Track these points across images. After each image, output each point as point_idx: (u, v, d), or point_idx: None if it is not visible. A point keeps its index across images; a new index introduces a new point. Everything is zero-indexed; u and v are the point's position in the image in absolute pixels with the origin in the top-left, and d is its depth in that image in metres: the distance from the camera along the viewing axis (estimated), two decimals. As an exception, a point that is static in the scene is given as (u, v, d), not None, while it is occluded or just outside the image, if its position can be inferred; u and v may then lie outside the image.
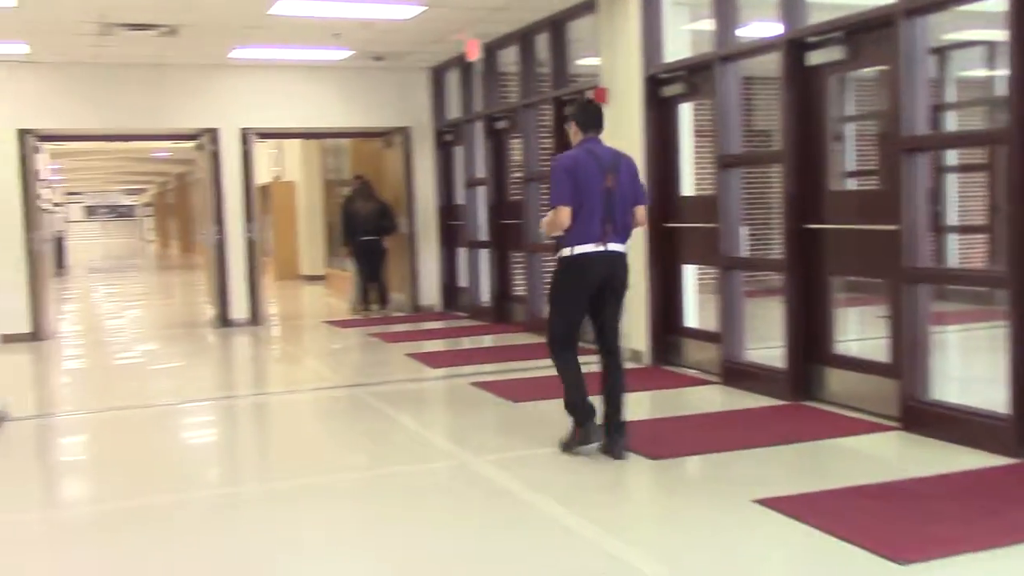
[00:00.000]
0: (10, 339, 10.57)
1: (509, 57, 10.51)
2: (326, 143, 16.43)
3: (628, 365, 7.60)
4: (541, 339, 9.37)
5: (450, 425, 6.38)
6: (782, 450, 5.30)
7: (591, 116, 5.31)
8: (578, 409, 5.18)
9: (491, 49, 10.56)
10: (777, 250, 7.79)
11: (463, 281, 11.98)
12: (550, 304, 5.30)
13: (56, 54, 10.41)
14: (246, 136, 11.54)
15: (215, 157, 11.47)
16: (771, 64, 6.60)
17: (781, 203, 6.56)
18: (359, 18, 9.23)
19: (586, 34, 9.01)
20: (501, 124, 10.77)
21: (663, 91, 7.83)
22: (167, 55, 10.66)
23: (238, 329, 11.30)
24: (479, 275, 11.53)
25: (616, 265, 5.12)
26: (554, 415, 6.16)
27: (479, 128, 11.25)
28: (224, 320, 11.46)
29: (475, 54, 10.17)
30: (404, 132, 12.17)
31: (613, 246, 5.08)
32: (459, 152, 11.87)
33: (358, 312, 12.10)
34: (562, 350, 5.23)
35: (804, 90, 6.38)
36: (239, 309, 11.52)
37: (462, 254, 11.97)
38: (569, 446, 5.23)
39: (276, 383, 8.57)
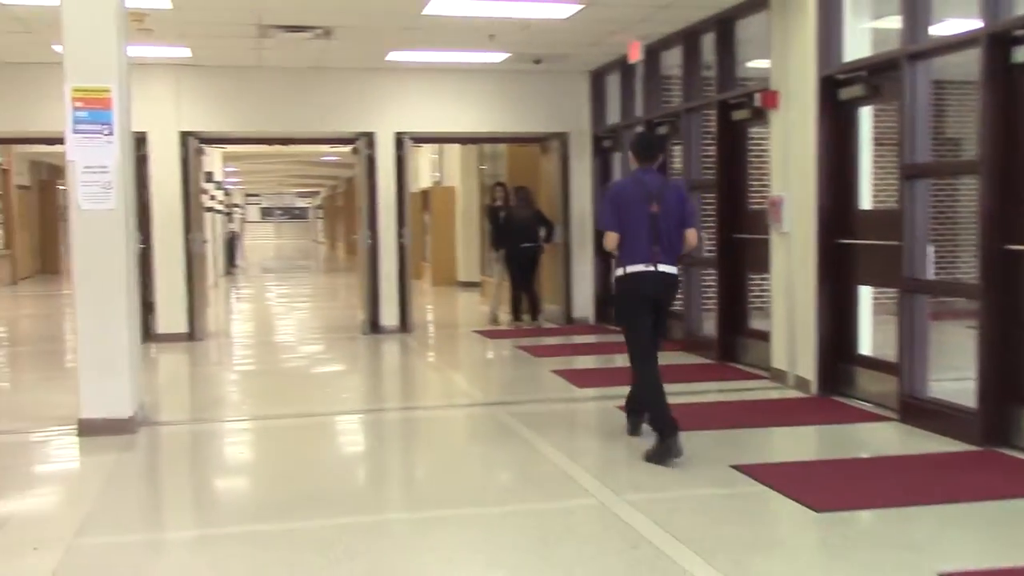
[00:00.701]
0: (166, 338, 10.66)
1: (672, 59, 9.91)
2: (484, 148, 16.13)
3: (793, 394, 6.88)
4: (700, 359, 9.03)
5: (594, 456, 5.83)
6: (972, 509, 4.54)
7: (645, 148, 5.70)
8: (661, 422, 5.44)
9: (653, 51, 10.00)
10: (969, 273, 6.91)
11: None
12: (619, 322, 5.87)
13: (217, 58, 10.45)
14: (401, 140, 11.35)
15: (370, 161, 11.31)
16: (963, 65, 5.79)
17: (975, 219, 5.74)
18: (514, 17, 8.82)
19: (755, 34, 8.33)
20: (662, 130, 10.17)
21: (840, 94, 7.09)
22: (325, 58, 10.56)
23: (387, 336, 11.09)
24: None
25: (666, 284, 5.54)
26: (712, 450, 5.56)
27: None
28: (374, 326, 11.28)
29: (636, 55, 9.63)
30: (561, 137, 11.74)
31: (663, 267, 5.48)
32: (618, 159, 11.32)
33: (509, 323, 11.71)
34: (643, 364, 5.61)
35: (1007, 91, 5.56)
36: (389, 315, 11.32)
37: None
38: (651, 457, 5.38)
39: (418, 397, 8.21)
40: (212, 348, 10.59)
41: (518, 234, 11.63)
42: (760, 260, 8.18)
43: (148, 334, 10.65)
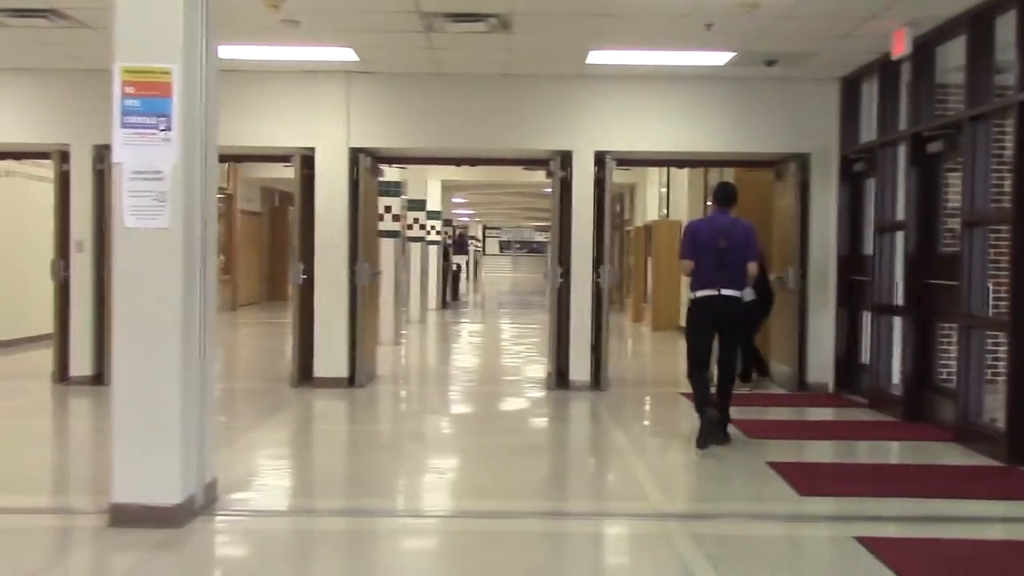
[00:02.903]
0: (323, 383, 9.13)
1: (951, 55, 7.42)
2: (713, 175, 13.83)
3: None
4: (981, 460, 6.28)
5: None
6: None
7: (721, 196, 6.94)
8: (701, 413, 6.62)
9: (925, 44, 7.55)
10: None
11: (865, 356, 8.86)
12: (686, 336, 6.86)
13: (388, 62, 8.91)
14: (602, 160, 9.39)
15: (564, 184, 9.42)
16: None
17: None
18: (735, -6, 6.65)
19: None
20: (935, 146, 7.68)
21: None
22: (513, 63, 8.80)
23: (573, 394, 9.07)
24: (889, 350, 8.42)
25: (728, 306, 6.61)
26: None
27: (902, 153, 8.20)
28: (561, 379, 9.32)
29: (902, 48, 7.26)
30: (800, 160, 9.40)
31: (726, 291, 6.59)
32: (871, 186, 8.83)
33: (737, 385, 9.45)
34: (694, 368, 6.73)
35: None
36: (579, 369, 9.33)
37: (867, 320, 8.90)
38: (701, 442, 6.56)
39: (570, 495, 5.93)
40: (366, 399, 8.92)
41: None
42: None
43: (305, 378, 9.22)
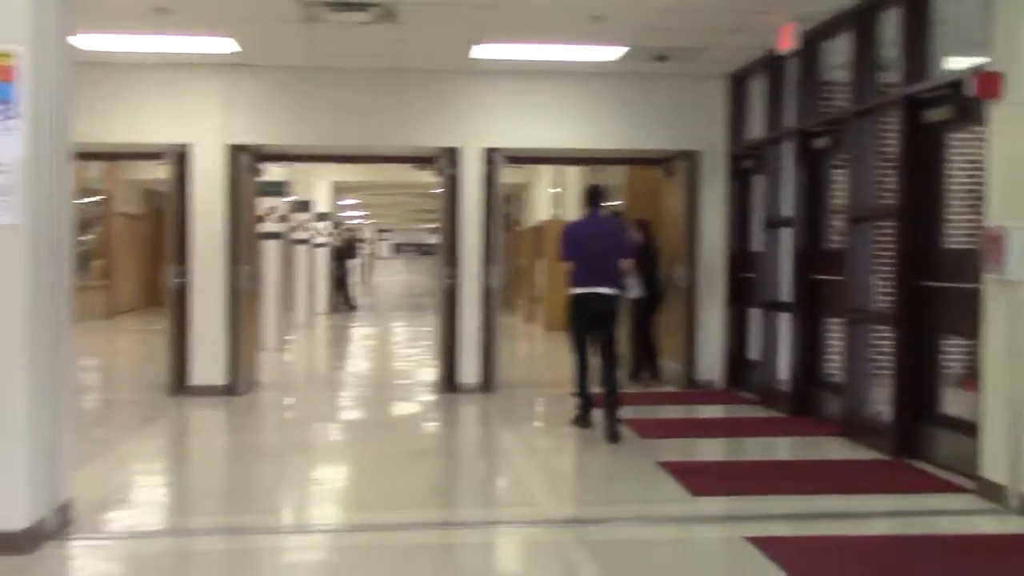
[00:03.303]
0: (200, 392, 8.68)
1: (838, 51, 7.45)
2: (606, 173, 13.77)
3: (1017, 524, 4.15)
4: (866, 451, 6.30)
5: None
6: None
7: (590, 198, 7.31)
8: (581, 397, 7.23)
9: (811, 40, 7.57)
10: None
11: (755, 353, 8.87)
12: (567, 331, 7.37)
13: (270, 54, 8.53)
14: (492, 157, 9.18)
15: (453, 182, 9.16)
16: None
17: None
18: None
19: (960, 11, 5.85)
20: (821, 143, 7.71)
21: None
22: (401, 57, 8.52)
23: (462, 397, 8.83)
24: (777, 347, 8.44)
25: (602, 302, 7.01)
26: None
27: (789, 149, 8.23)
28: (451, 383, 9.06)
29: (789, 43, 7.26)
30: (690, 157, 9.36)
31: (600, 289, 6.99)
32: (759, 183, 8.85)
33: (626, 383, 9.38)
34: (574, 353, 7.22)
35: None
36: (468, 371, 9.09)
37: (755, 317, 8.92)
38: (575, 422, 7.25)
39: (457, 504, 5.72)
40: (247, 407, 8.51)
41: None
42: (963, 318, 5.66)
43: (181, 386, 8.75)
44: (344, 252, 22.80)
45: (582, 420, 7.20)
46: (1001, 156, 5.27)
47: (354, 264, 24.14)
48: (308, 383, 10.67)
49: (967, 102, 5.59)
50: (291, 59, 8.63)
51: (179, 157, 8.90)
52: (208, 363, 8.79)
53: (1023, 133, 5.11)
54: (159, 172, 8.65)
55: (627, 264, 7.17)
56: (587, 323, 7.06)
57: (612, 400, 6.88)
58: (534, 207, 19.51)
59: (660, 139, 9.31)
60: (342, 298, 22.14)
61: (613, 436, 6.75)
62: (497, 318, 9.24)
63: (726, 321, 9.32)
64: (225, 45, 8.15)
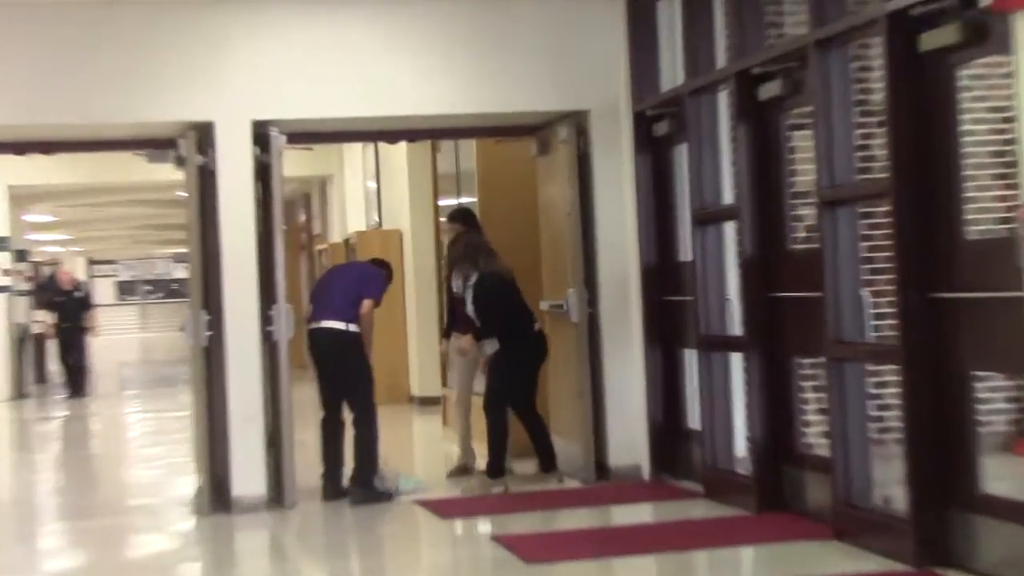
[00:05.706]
0: None
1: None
2: (447, 153, 14.05)
3: None
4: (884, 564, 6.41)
5: None
6: None
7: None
8: (324, 461, 9.76)
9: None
10: None
11: (694, 419, 9.18)
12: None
13: None
14: (265, 135, 9.37)
15: (204, 177, 9.32)
16: None
17: None
18: None
19: None
20: (770, 89, 8.02)
21: None
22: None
23: (239, 519, 8.97)
24: (729, 407, 8.76)
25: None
26: None
27: (723, 103, 8.70)
28: (218, 497, 9.18)
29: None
30: (575, 120, 9.79)
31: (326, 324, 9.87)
32: (682, 155, 9.28)
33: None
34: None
35: None
36: (247, 477, 9.20)
37: (690, 362, 9.30)
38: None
39: None
40: None
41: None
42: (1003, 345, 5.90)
43: None
44: (42, 300, 22.96)
45: (324, 491, 9.46)
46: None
47: (89, 316, 24.22)
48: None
49: (981, 18, 5.89)
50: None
51: None
52: None
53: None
54: None
55: (364, 306, 9.79)
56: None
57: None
58: (342, 211, 20.14)
59: (529, 96, 9.79)
60: (36, 371, 22.25)
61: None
62: (288, 388, 9.38)
63: (648, 371, 9.62)
64: None
